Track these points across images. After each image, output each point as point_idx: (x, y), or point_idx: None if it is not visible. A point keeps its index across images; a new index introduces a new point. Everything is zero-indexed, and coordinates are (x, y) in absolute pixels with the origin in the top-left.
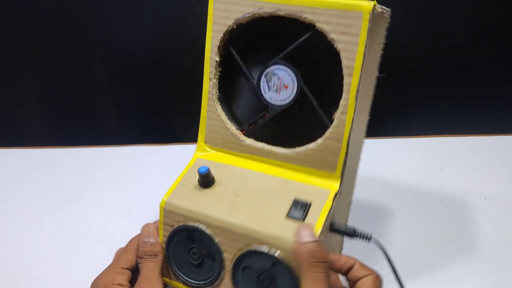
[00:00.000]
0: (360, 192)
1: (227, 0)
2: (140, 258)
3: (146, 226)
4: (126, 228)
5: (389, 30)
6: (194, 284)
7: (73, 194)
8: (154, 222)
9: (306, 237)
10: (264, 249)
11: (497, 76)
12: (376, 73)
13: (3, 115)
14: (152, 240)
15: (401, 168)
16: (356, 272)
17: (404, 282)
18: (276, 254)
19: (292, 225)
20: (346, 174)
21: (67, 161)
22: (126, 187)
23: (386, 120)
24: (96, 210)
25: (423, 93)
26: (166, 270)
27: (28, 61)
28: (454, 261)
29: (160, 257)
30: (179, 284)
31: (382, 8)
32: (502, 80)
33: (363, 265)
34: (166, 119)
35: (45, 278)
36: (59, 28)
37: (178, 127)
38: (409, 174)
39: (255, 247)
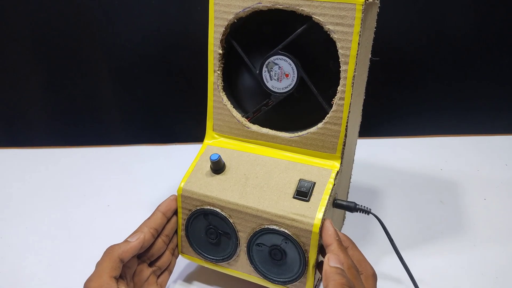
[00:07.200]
0: (360, 192)
1: None
2: None
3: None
4: (126, 228)
5: (389, 30)
6: (213, 260)
7: (73, 194)
8: None
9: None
10: (275, 227)
11: (497, 76)
12: (369, 55)
13: (3, 115)
14: None
15: (401, 168)
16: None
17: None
18: (286, 232)
19: (298, 204)
20: (346, 153)
21: (67, 161)
22: (126, 187)
23: (386, 120)
24: (96, 210)
25: (423, 93)
26: (186, 248)
27: (29, 60)
28: (454, 261)
29: None
30: (200, 260)
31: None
32: (501, 80)
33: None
34: (166, 119)
35: (45, 278)
36: (61, 28)
37: (178, 127)
38: (409, 174)
39: (266, 226)
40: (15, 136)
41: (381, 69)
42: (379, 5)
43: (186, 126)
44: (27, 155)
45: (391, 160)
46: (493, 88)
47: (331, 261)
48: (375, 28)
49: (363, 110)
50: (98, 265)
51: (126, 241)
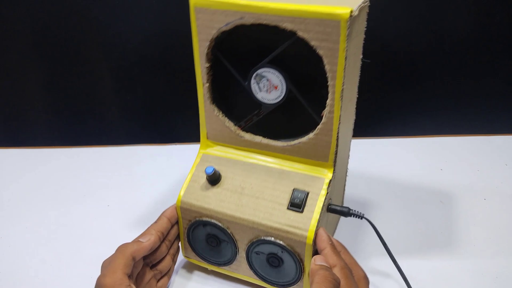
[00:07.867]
0: (360, 192)
1: (208, 10)
2: None
3: None
4: (126, 228)
5: (389, 30)
6: (215, 263)
7: (73, 194)
8: None
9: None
10: (271, 239)
11: (497, 76)
12: (360, 56)
13: (3, 115)
14: None
15: (401, 168)
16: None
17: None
18: (281, 243)
19: (293, 216)
20: (338, 160)
21: (67, 161)
22: (126, 187)
23: (385, 120)
24: (96, 210)
25: (423, 93)
26: (190, 252)
27: (29, 60)
28: (454, 260)
29: None
30: (203, 263)
31: (360, 6)
32: (502, 80)
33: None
34: (166, 119)
35: (45, 278)
36: (61, 28)
37: (178, 127)
38: (409, 174)
39: (263, 237)
40: (15, 136)
41: (380, 69)
42: (369, 4)
43: (186, 126)
44: (27, 155)
45: (390, 160)
46: (493, 88)
47: (316, 261)
48: (366, 28)
49: (362, 110)
50: (111, 261)
51: (137, 241)
